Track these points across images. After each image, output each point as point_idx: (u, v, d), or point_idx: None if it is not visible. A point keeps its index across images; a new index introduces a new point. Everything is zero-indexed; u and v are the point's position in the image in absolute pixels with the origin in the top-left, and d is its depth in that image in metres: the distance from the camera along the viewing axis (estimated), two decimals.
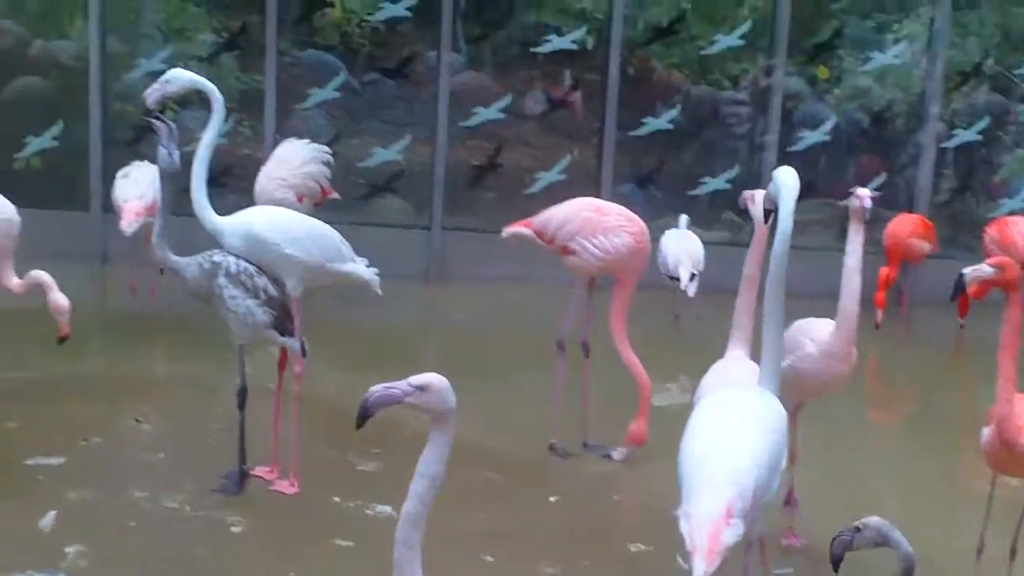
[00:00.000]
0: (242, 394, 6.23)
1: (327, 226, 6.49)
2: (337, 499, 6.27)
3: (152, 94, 6.23)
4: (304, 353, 6.33)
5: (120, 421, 7.26)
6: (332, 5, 12.26)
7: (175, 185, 6.23)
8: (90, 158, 11.22)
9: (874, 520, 4.07)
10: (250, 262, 6.17)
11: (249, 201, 8.94)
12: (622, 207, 7.14)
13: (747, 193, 6.04)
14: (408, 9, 11.79)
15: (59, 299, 7.04)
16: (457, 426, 7.08)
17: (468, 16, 12.11)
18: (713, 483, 4.02)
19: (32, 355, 8.05)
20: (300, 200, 9.19)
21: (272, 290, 6.18)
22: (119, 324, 8.98)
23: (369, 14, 12.23)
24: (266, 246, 6.15)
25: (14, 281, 7.18)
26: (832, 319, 5.70)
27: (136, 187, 8.88)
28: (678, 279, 9.24)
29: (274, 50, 11.31)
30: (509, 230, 7.24)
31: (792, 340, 5.74)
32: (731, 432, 4.24)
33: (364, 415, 3.59)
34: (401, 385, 3.64)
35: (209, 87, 6.29)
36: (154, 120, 6.07)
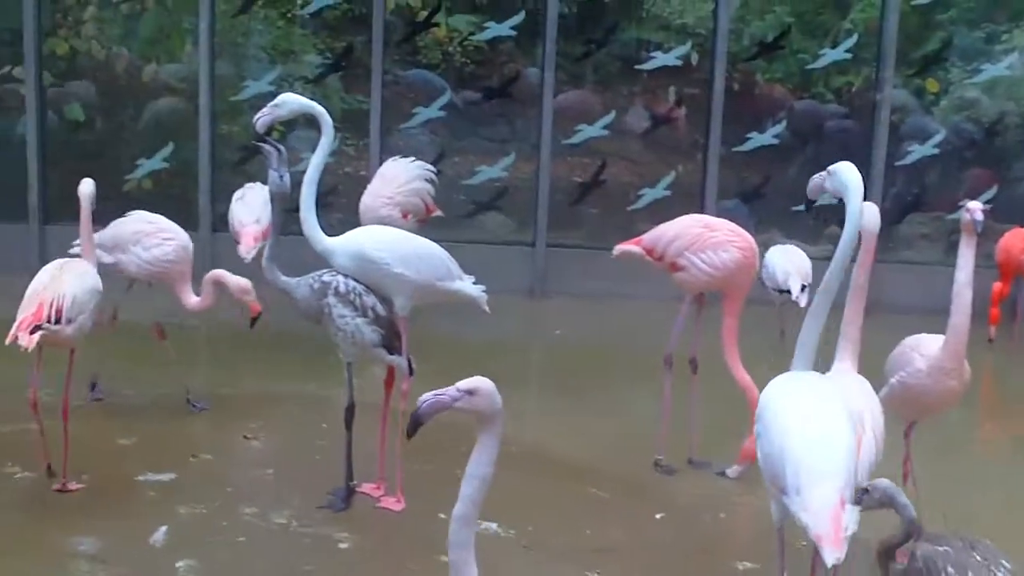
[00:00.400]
0: (350, 412, 6.29)
1: (434, 244, 6.53)
2: (443, 515, 6.21)
3: (262, 119, 6.30)
4: (411, 371, 6.36)
5: (229, 438, 7.35)
6: (437, 25, 12.33)
7: (284, 206, 6.31)
8: (199, 179, 11.40)
9: (883, 482, 4.29)
10: (359, 281, 6.22)
11: (354, 219, 9.01)
12: (731, 223, 7.09)
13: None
14: (513, 28, 11.84)
15: (239, 282, 7.44)
16: (559, 442, 7.12)
17: (570, 34, 12.09)
18: (823, 473, 4.18)
19: (143, 373, 8.19)
20: (405, 218, 9.23)
21: (380, 309, 6.22)
22: (228, 341, 9.10)
23: (472, 33, 12.30)
24: (376, 266, 6.20)
25: (193, 300, 7.43)
26: (934, 334, 5.63)
27: (252, 211, 8.94)
28: (788, 292, 9.13)
29: (380, 70, 11.40)
30: (620, 248, 7.26)
31: (901, 356, 5.67)
32: (827, 423, 4.37)
33: (416, 423, 3.65)
34: (450, 391, 3.66)
35: (319, 110, 6.35)
36: (264, 144, 6.15)
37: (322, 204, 10.73)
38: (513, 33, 11.91)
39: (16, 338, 6.02)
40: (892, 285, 10.85)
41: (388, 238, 6.46)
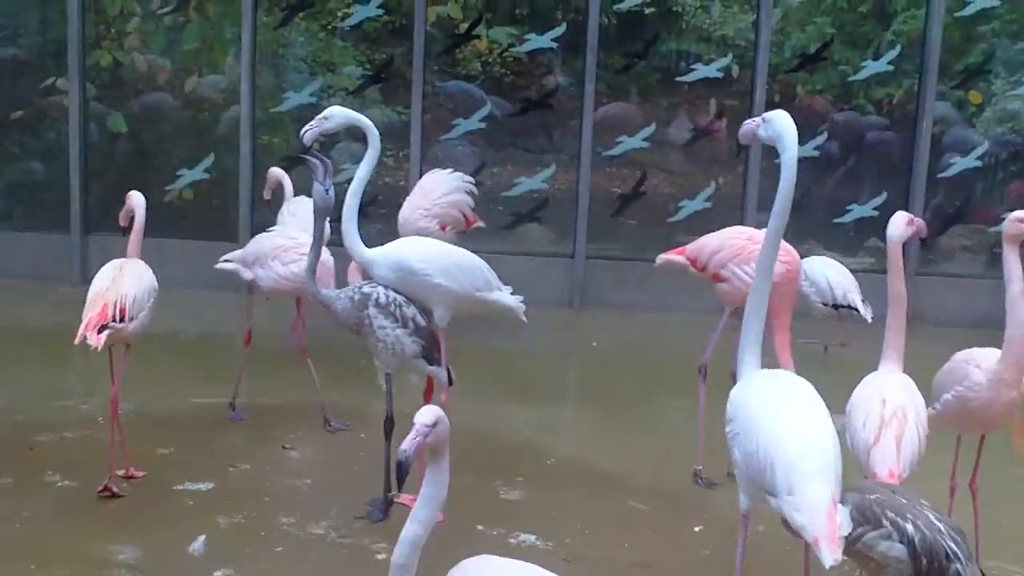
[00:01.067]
0: (389, 423, 6.30)
1: (474, 255, 6.55)
2: (480, 527, 6.27)
3: (310, 131, 6.32)
4: (451, 382, 6.37)
5: (267, 448, 7.36)
6: (479, 37, 12.35)
7: (328, 218, 6.34)
8: (240, 189, 11.44)
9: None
10: (399, 292, 6.24)
11: (393, 230, 9.03)
12: None
13: (907, 218, 5.85)
14: (554, 40, 11.85)
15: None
16: (597, 453, 7.09)
17: (610, 47, 12.08)
18: (813, 473, 4.17)
19: (182, 383, 8.23)
20: (443, 229, 9.21)
21: (420, 320, 6.23)
22: (266, 351, 9.11)
23: (512, 45, 12.32)
24: (416, 277, 6.22)
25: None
26: (987, 348, 5.57)
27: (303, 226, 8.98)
28: (846, 307, 9.09)
29: (420, 82, 11.42)
30: (663, 257, 7.25)
31: (955, 371, 5.61)
32: (811, 422, 4.37)
33: (403, 473, 3.79)
34: (419, 430, 3.74)
35: (366, 123, 6.39)
36: (310, 157, 6.16)
37: (361, 215, 10.77)
38: (554, 45, 11.91)
39: (84, 338, 6.18)
40: (933, 297, 10.79)
41: (429, 249, 6.49)
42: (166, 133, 12.19)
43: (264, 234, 7.84)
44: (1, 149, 12.07)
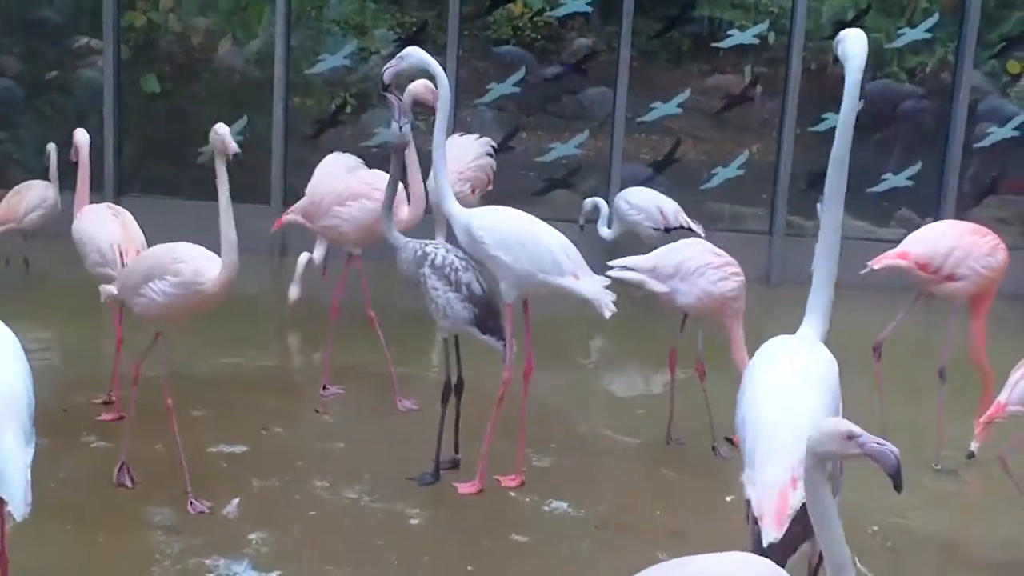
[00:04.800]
0: (446, 388, 6.34)
1: (549, 235, 6.33)
2: (513, 494, 6.29)
3: (389, 70, 6.39)
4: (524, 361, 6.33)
5: (300, 412, 7.39)
6: (514, 0, 12.31)
7: (401, 158, 6.42)
8: (272, 152, 11.44)
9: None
10: (468, 256, 6.27)
11: None
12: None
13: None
14: (589, 4, 11.79)
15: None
16: (628, 421, 7.08)
17: (645, 11, 12.00)
18: (777, 450, 4.01)
19: (216, 346, 8.25)
20: (472, 193, 9.29)
21: (477, 287, 6.22)
22: (299, 316, 9.13)
23: (544, 9, 12.26)
24: (477, 244, 6.19)
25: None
26: None
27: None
28: (680, 227, 9.88)
29: (455, 45, 11.38)
30: (885, 262, 7.01)
31: None
32: (790, 395, 4.16)
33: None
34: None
35: (437, 69, 6.43)
36: (389, 95, 6.29)
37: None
38: (589, 9, 11.85)
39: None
40: None
41: (494, 219, 6.34)
42: (200, 95, 12.19)
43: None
44: (34, 110, 12.09)
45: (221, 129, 5.92)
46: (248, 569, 5.33)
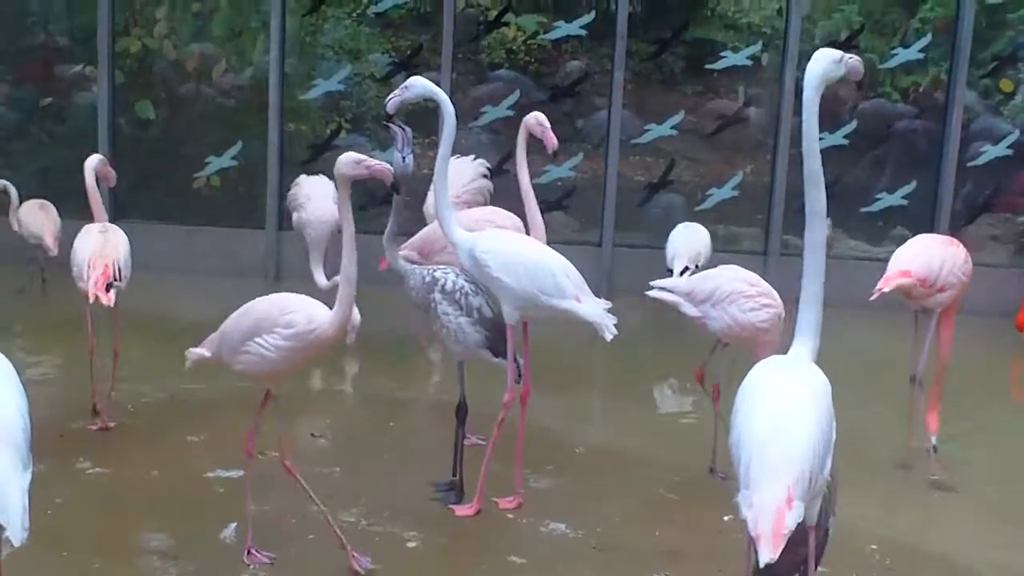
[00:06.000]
0: (461, 409, 6.35)
1: (552, 258, 6.34)
2: (511, 516, 6.28)
3: (393, 100, 6.38)
4: (519, 379, 6.30)
5: (297, 436, 7.37)
6: (508, 24, 12.34)
7: (405, 189, 6.38)
8: (268, 177, 11.46)
9: None
10: (473, 280, 6.28)
11: (418, 216, 9.09)
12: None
13: None
14: (582, 28, 11.83)
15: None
16: (626, 442, 7.08)
17: (637, 34, 12.04)
18: (773, 469, 4.01)
19: (211, 370, 8.22)
20: None
21: (487, 311, 6.22)
22: None
23: (538, 33, 12.30)
24: (480, 267, 6.19)
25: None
26: None
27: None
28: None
29: (449, 69, 11.42)
30: (893, 283, 7.07)
31: None
32: (783, 416, 4.14)
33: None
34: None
35: (442, 97, 6.41)
36: (393, 125, 6.28)
37: (389, 203, 10.80)
38: (583, 33, 11.90)
39: (96, 296, 6.79)
40: None
41: (500, 242, 6.35)
42: (194, 120, 12.22)
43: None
44: (30, 136, 12.11)
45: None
46: None
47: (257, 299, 5.66)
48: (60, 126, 12.13)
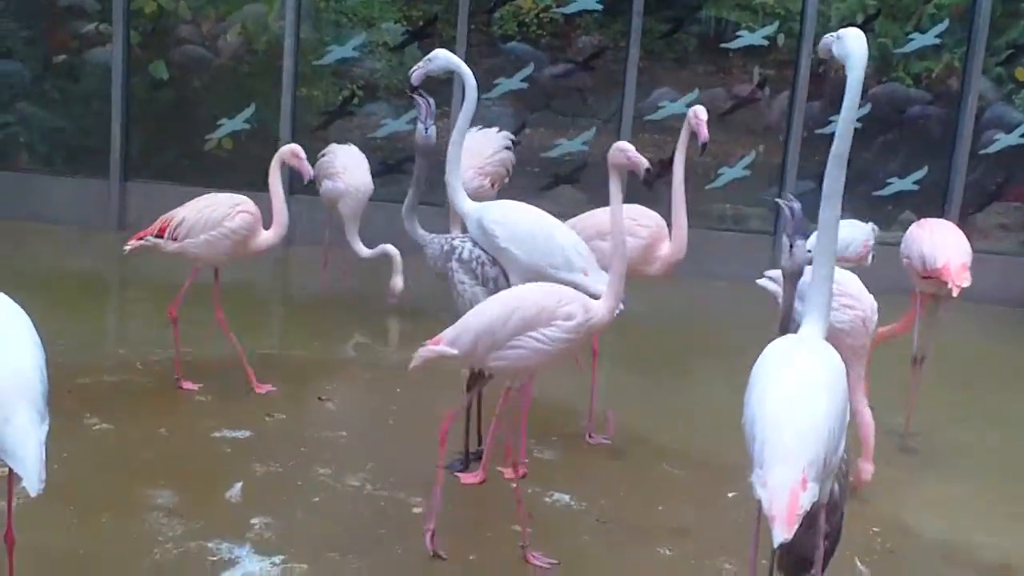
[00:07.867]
0: (472, 375, 6.31)
1: (561, 231, 6.39)
2: (515, 485, 6.29)
3: (417, 71, 6.47)
4: None
5: (304, 399, 7.41)
6: None
7: (426, 160, 6.46)
8: (280, 142, 11.43)
9: None
10: (485, 250, 6.28)
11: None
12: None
13: None
14: (598, 1, 11.81)
15: None
16: (634, 420, 7.08)
17: (652, 11, 12.00)
18: (787, 450, 3.98)
19: (221, 333, 8.25)
20: (492, 187, 9.29)
21: (503, 282, 6.24)
22: (305, 305, 9.14)
23: (551, 6, 12.26)
24: (488, 237, 6.23)
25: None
26: None
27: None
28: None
29: (464, 40, 11.39)
30: (967, 277, 7.08)
31: None
32: (798, 395, 4.13)
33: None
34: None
35: (464, 70, 6.48)
36: (417, 96, 6.35)
37: (401, 171, 10.82)
38: (600, 7, 11.87)
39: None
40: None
41: (508, 213, 6.38)
42: (208, 83, 12.20)
43: None
44: (42, 94, 12.09)
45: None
46: (250, 553, 5.32)
47: (515, 292, 5.63)
48: (73, 84, 12.08)
